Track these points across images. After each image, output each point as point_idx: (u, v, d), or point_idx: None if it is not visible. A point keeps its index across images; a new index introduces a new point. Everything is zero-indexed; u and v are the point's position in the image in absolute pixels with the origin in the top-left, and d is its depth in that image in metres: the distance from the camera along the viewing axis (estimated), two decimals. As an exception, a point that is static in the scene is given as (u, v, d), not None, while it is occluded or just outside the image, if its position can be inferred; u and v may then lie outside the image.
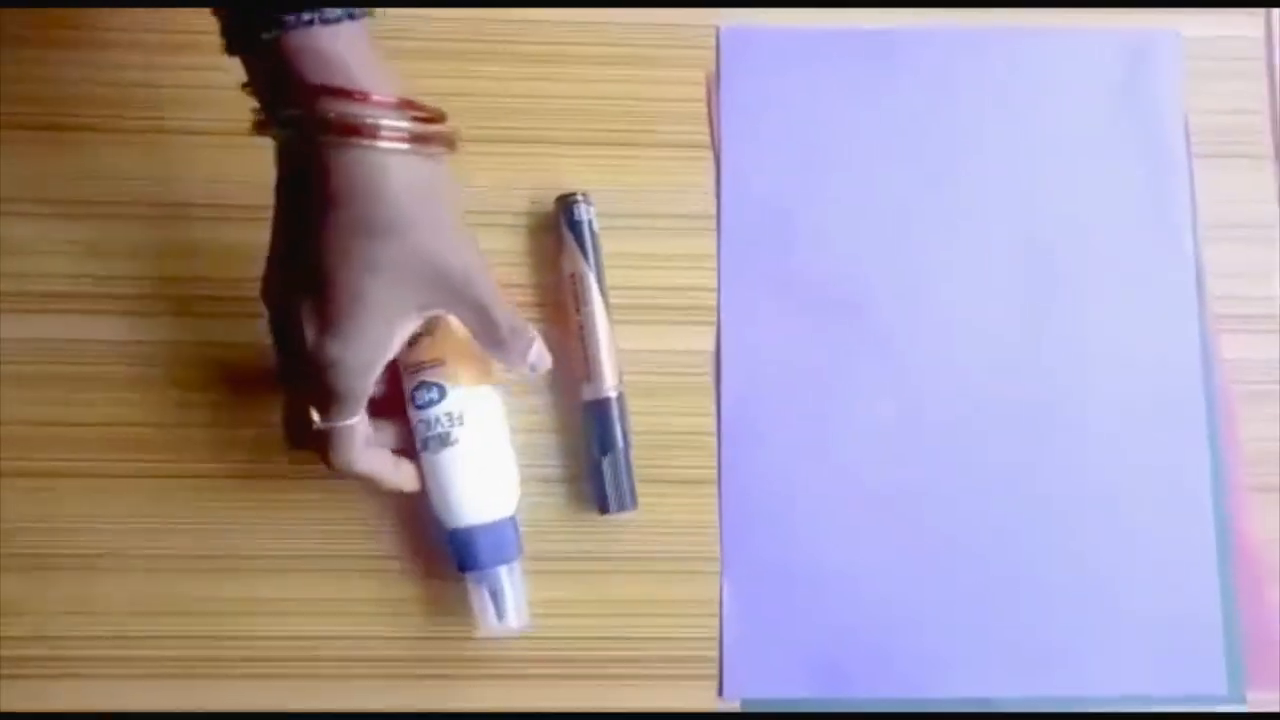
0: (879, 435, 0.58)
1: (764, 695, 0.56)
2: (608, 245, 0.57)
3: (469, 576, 0.53)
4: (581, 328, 0.56)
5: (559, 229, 0.57)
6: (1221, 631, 0.57)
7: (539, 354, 0.51)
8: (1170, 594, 0.57)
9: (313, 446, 0.48)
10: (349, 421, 0.47)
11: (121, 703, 0.54)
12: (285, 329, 0.46)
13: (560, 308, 0.57)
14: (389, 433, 0.52)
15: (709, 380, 0.58)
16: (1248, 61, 0.61)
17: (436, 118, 0.46)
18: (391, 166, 0.43)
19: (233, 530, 0.56)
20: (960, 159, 0.60)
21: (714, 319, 0.58)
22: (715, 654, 0.56)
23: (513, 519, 0.53)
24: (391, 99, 0.44)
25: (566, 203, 0.57)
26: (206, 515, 0.56)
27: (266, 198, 0.46)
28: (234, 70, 0.45)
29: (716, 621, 0.56)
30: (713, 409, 0.58)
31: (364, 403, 0.47)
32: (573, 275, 0.56)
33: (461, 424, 0.52)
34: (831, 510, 0.57)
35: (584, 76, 0.60)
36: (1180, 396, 0.59)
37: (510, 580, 0.53)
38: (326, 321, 0.44)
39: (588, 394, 0.56)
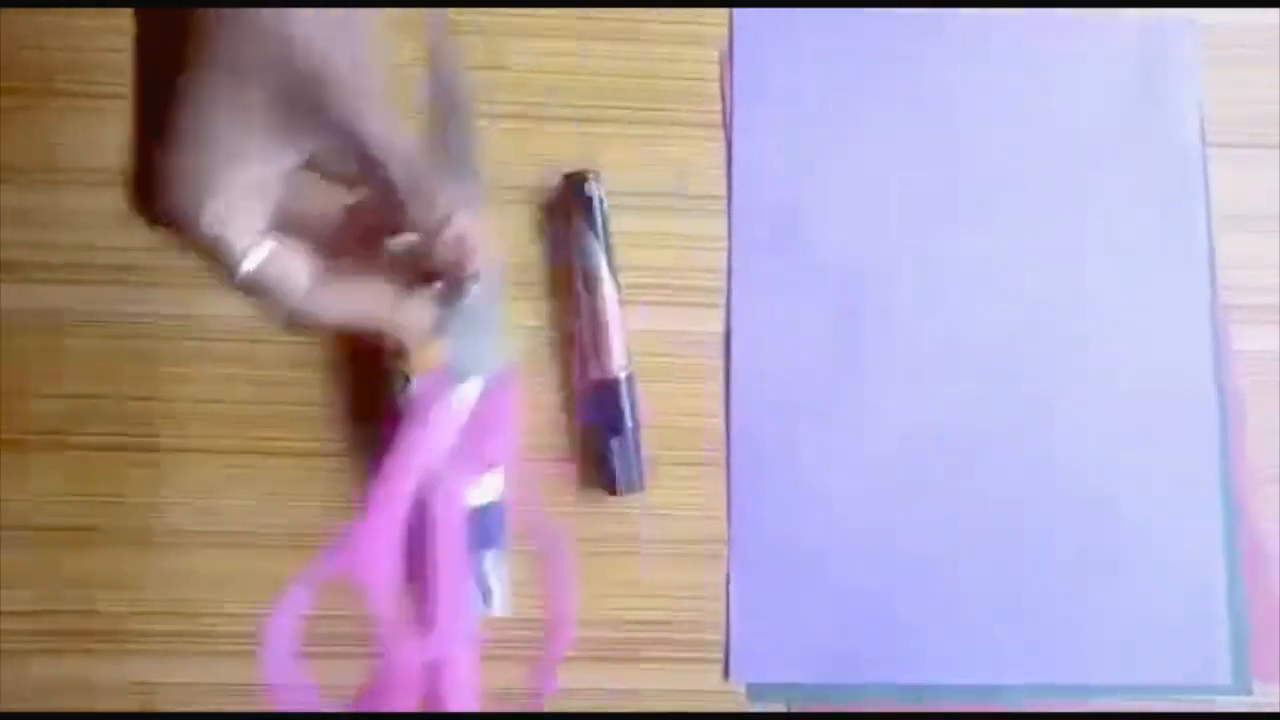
0: (888, 420, 0.57)
1: (769, 679, 0.55)
2: (616, 224, 0.57)
3: (452, 563, 0.52)
4: (590, 307, 0.55)
5: (568, 207, 0.56)
6: (1228, 622, 0.56)
7: (462, 226, 0.36)
8: (1177, 584, 0.57)
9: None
10: (246, 265, 0.35)
11: (117, 675, 0.54)
12: (138, 146, 0.35)
13: (568, 286, 0.57)
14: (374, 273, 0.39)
15: (718, 362, 0.57)
16: (1265, 50, 0.61)
17: None
18: None
19: (225, 507, 0.55)
20: (973, 143, 0.60)
21: (723, 300, 0.58)
22: (721, 637, 0.55)
23: (497, 505, 0.53)
24: None
25: (576, 180, 0.56)
26: (199, 491, 0.55)
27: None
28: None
29: (723, 604, 0.56)
30: (721, 391, 0.57)
31: (234, 243, 0.35)
32: (582, 253, 0.56)
33: None
34: (840, 494, 0.57)
35: (593, 52, 0.59)
36: (1190, 387, 0.58)
37: (495, 566, 0.53)
38: (159, 131, 0.34)
39: (596, 374, 0.55)
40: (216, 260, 0.35)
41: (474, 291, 0.37)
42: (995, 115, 0.60)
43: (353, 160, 0.35)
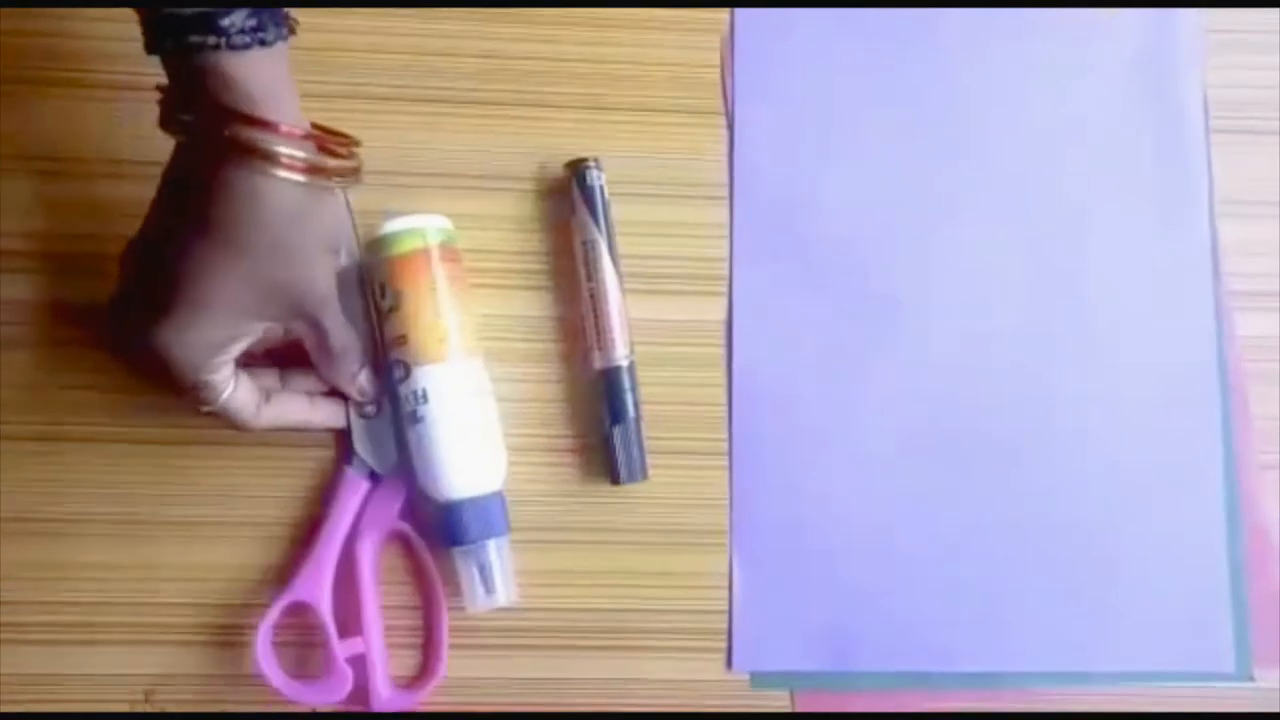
0: (890, 407, 0.57)
1: (772, 668, 0.55)
2: (618, 213, 0.57)
3: (455, 551, 0.52)
4: (592, 295, 0.55)
5: (570, 195, 0.56)
6: (1230, 609, 0.56)
7: (365, 380, 0.53)
8: (1179, 571, 0.57)
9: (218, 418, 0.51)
10: (221, 398, 0.49)
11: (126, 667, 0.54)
12: (130, 301, 0.48)
13: (571, 275, 0.56)
14: (296, 379, 0.53)
15: (720, 351, 0.57)
16: (1268, 36, 0.61)
17: (343, 149, 0.47)
18: (268, 193, 0.44)
19: (226, 496, 0.55)
20: (976, 130, 0.60)
21: (725, 289, 0.58)
22: (724, 626, 0.55)
23: (499, 494, 0.53)
24: (298, 130, 0.44)
25: (578, 168, 0.56)
26: (193, 482, 0.55)
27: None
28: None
29: (725, 593, 0.56)
30: (723, 380, 0.57)
31: (219, 386, 0.49)
32: (584, 242, 0.56)
33: (425, 401, 0.52)
34: (842, 483, 0.57)
35: (596, 40, 0.59)
36: (1193, 373, 0.58)
37: (498, 555, 0.53)
38: (165, 309, 0.46)
39: (599, 363, 0.55)
40: (200, 394, 0.49)
41: (371, 411, 0.54)
42: (999, 101, 0.60)
43: (306, 332, 0.50)
